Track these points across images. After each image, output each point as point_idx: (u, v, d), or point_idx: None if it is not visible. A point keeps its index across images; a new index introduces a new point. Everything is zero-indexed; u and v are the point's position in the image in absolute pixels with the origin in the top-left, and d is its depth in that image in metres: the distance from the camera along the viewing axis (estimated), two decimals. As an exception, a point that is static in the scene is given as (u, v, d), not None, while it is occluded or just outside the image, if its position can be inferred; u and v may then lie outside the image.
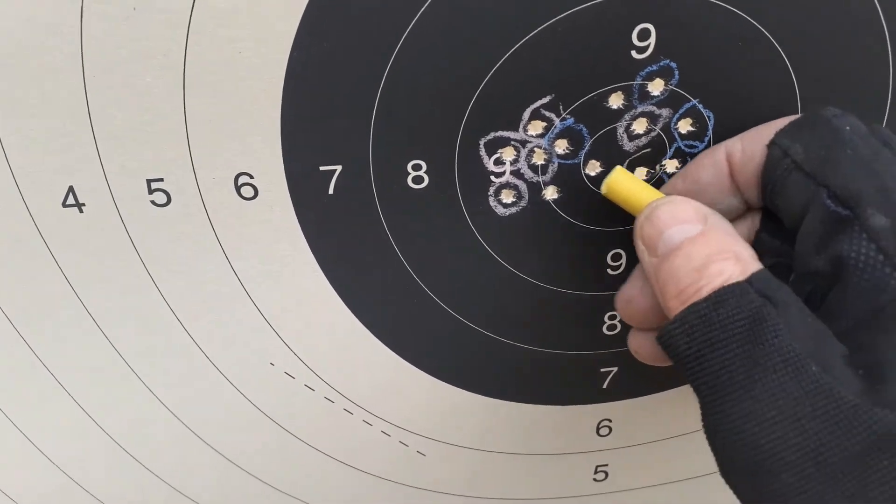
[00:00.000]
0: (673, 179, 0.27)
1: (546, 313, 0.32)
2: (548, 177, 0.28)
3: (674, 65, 0.26)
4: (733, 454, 0.21)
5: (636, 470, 0.37)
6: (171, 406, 0.33)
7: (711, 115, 0.27)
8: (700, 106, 0.27)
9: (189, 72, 0.25)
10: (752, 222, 0.27)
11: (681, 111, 0.27)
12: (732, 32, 0.25)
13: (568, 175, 0.28)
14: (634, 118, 0.27)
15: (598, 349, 0.33)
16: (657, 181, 0.28)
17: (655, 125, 0.27)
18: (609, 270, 0.31)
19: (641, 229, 0.25)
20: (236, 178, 0.27)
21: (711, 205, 0.25)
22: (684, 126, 0.27)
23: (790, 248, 0.25)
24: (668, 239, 0.24)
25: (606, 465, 0.37)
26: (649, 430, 0.36)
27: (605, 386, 0.34)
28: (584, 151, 0.28)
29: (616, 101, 0.26)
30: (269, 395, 0.33)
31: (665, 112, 0.27)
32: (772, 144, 0.24)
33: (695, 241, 0.23)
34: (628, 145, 0.27)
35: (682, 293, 0.23)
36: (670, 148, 0.28)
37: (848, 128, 0.23)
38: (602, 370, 0.34)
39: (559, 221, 0.29)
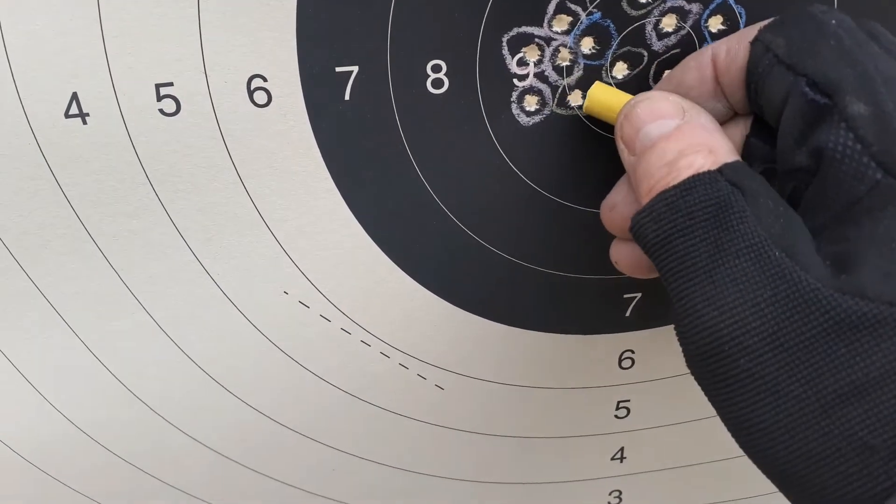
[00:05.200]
0: (660, 83, 0.27)
1: (567, 233, 0.31)
2: (573, 80, 0.27)
3: (705, -47, 0.25)
4: (695, 340, 0.21)
5: (659, 406, 0.36)
6: (178, 340, 0.32)
7: (743, 11, 0.26)
8: (731, 1, 0.26)
9: (200, -40, 0.24)
10: (744, 128, 0.26)
11: (711, 6, 0.26)
12: (766, -82, 0.24)
13: (594, 79, 0.27)
14: (663, 14, 0.26)
15: (621, 273, 0.32)
16: (686, 84, 0.27)
17: (685, 22, 0.26)
18: (634, 186, 0.30)
19: (621, 128, 0.25)
20: (249, 81, 0.26)
21: None
22: (714, 24, 0.26)
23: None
24: (644, 136, 0.23)
25: (628, 400, 0.36)
26: (674, 362, 0.35)
27: (628, 314, 0.33)
28: (610, 51, 0.26)
29: (645, -8, 0.25)
30: (283, 327, 0.32)
31: (695, 7, 0.26)
32: (755, 41, 0.23)
33: (669, 137, 0.23)
34: (657, 44, 0.26)
35: (652, 189, 0.23)
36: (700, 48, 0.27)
37: (833, 21, 0.23)
38: (625, 296, 0.32)
39: (583, 131, 0.28)
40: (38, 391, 0.33)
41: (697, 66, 0.25)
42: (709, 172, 0.22)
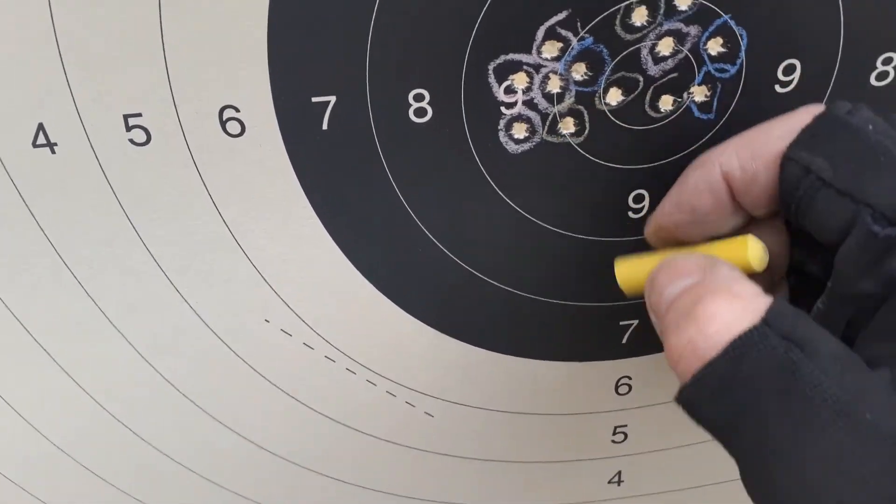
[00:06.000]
0: (667, 208, 0.25)
1: (560, 261, 0.29)
2: (564, 107, 0.25)
3: (704, -25, 0.23)
4: None
5: (657, 431, 0.35)
6: (159, 367, 0.31)
7: (744, 33, 0.24)
8: (732, 22, 0.24)
9: (164, -12, 0.22)
10: (776, 227, 0.24)
11: (710, 29, 0.24)
12: (770, -63, 0.23)
13: (586, 105, 0.26)
14: (660, 37, 0.24)
15: (617, 300, 0.30)
16: (684, 110, 0.26)
17: (683, 46, 0.25)
18: (630, 213, 0.28)
19: (649, 299, 0.23)
20: (221, 111, 0.25)
21: (714, 230, 0.24)
22: (714, 47, 0.25)
23: (824, 255, 0.22)
24: (667, 298, 0.22)
25: (625, 425, 0.34)
26: (672, 388, 0.33)
27: (624, 340, 0.32)
28: (604, 77, 0.25)
29: (639, 17, 0.24)
30: (265, 355, 0.31)
31: (693, 30, 0.24)
32: (787, 160, 0.21)
33: (689, 290, 0.21)
34: (653, 69, 0.25)
35: (679, 361, 0.20)
36: (699, 72, 0.25)
37: (870, 126, 0.20)
38: (622, 323, 0.31)
39: (576, 159, 0.27)
40: (19, 413, 0.32)
41: (708, 188, 0.23)
42: (756, 329, 0.19)
